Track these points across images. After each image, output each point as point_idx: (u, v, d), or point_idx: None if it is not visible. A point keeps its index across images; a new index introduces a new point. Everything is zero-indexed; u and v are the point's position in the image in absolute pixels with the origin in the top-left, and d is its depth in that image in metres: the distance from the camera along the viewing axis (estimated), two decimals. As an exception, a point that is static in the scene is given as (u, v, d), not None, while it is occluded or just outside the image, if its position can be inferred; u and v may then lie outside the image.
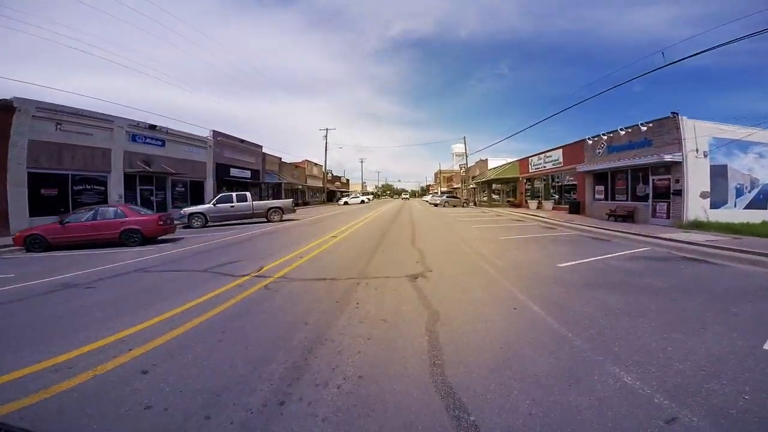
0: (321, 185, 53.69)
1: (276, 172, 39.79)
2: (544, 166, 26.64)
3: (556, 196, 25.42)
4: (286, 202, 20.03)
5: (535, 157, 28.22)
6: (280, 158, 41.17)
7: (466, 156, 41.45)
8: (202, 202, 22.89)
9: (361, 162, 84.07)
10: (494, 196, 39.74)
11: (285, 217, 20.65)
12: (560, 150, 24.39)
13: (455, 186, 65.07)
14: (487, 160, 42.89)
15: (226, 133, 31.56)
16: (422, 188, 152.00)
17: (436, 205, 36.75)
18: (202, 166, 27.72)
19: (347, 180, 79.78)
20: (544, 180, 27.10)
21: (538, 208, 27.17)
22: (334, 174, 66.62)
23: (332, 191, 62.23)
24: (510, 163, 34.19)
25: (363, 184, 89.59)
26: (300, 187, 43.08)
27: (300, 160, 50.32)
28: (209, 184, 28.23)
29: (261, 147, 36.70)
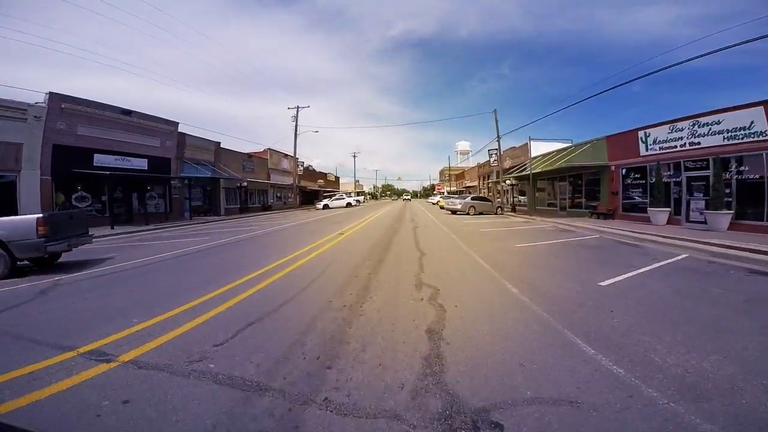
0: (294, 183, 39.95)
1: (210, 162, 26.22)
2: (695, 143, 12.99)
3: (729, 199, 11.78)
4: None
5: (661, 129, 14.54)
6: (218, 143, 27.57)
7: (499, 139, 27.62)
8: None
9: (354, 156, 69.22)
10: (537, 195, 26.08)
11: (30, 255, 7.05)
12: (760, 108, 10.77)
13: (469, 184, 51.38)
14: (527, 143, 29.14)
15: (89, 99, 18.04)
16: (425, 188, 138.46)
17: (454, 212, 23.11)
18: (9, 150, 14.33)
19: (336, 178, 66.04)
20: (695, 168, 13.37)
21: (669, 222, 13.55)
22: (316, 169, 52.81)
23: (314, 191, 48.69)
24: (585, 143, 20.49)
25: (356, 183, 75.74)
26: (244, 184, 29.31)
27: (261, 149, 36.77)
28: (31, 182, 14.79)
29: (176, 124, 23.15)
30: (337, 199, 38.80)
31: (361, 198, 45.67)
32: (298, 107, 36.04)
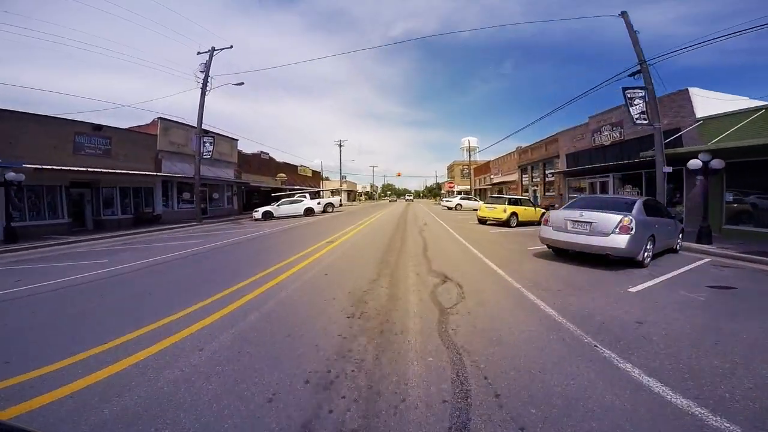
0: (197, 175, 24.03)
1: None
2: None
3: None
4: None
5: None
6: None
7: (644, 67, 11.24)
8: None
9: (340, 146, 52.05)
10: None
11: None
12: None
13: (502, 179, 35.28)
14: (686, 92, 13.08)
15: None
16: (428, 187, 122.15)
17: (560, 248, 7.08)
18: None
19: (316, 172, 49.72)
20: None
21: None
22: (275, 158, 36.44)
23: (276, 190, 32.74)
24: None
25: (342, 179, 59.21)
26: (17, 178, 13.02)
27: (149, 121, 21.02)
28: None
29: None
30: (291, 202, 22.80)
31: (335, 200, 29.57)
32: (212, 49, 20.10)
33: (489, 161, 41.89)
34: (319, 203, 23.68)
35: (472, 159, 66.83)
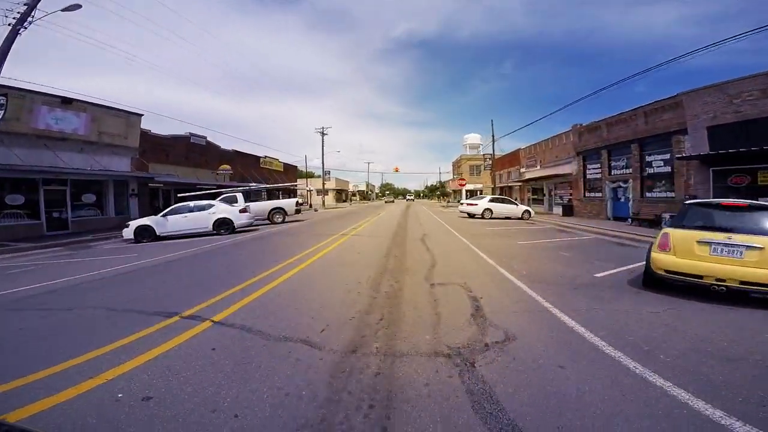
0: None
1: None
2: None
3: None
4: None
5: None
6: None
7: None
8: None
9: (322, 134, 40.77)
10: None
11: None
12: None
13: (538, 174, 25.08)
14: None
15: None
16: (429, 187, 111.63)
17: None
18: None
19: (289, 166, 39.10)
20: None
21: None
22: (219, 145, 25.55)
23: (223, 187, 22.64)
24: None
25: (325, 175, 48.05)
26: None
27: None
28: None
29: None
30: (190, 210, 12.57)
31: (289, 203, 18.89)
32: None
33: (519, 149, 31.54)
34: (245, 210, 13.30)
35: (479, 153, 56.56)
